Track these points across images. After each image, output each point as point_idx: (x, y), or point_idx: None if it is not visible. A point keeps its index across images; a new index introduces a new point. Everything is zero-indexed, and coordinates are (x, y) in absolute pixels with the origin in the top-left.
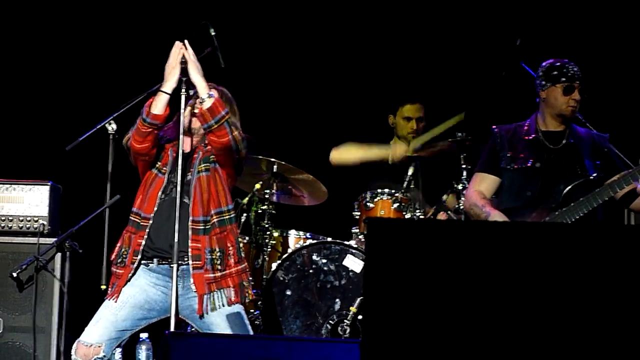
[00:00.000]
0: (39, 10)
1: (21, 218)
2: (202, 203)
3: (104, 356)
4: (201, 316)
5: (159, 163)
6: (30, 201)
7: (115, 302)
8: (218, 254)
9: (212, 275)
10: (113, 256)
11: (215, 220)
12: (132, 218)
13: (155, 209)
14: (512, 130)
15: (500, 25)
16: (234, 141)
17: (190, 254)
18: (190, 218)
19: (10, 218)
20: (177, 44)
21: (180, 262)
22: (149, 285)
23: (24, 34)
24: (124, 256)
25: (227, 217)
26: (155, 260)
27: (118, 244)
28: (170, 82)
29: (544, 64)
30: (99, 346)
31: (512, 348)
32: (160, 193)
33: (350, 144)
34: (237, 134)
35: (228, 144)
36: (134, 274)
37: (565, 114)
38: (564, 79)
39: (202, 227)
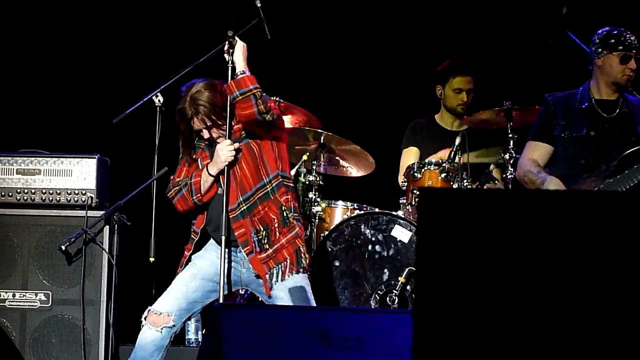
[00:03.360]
0: None
1: (69, 191)
2: (235, 188)
3: (174, 326)
4: (268, 300)
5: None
6: (78, 174)
7: (187, 274)
8: (263, 233)
9: (265, 254)
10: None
11: (257, 197)
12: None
13: (205, 221)
14: (564, 99)
15: None
16: (258, 113)
17: (238, 241)
18: (228, 207)
19: (59, 191)
20: (227, 143)
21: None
22: (219, 258)
23: (74, 6)
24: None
25: (270, 187)
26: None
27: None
28: (216, 168)
29: (600, 31)
30: (169, 315)
31: (568, 316)
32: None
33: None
34: (263, 107)
35: (252, 116)
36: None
37: (620, 83)
38: (621, 48)
39: (239, 212)
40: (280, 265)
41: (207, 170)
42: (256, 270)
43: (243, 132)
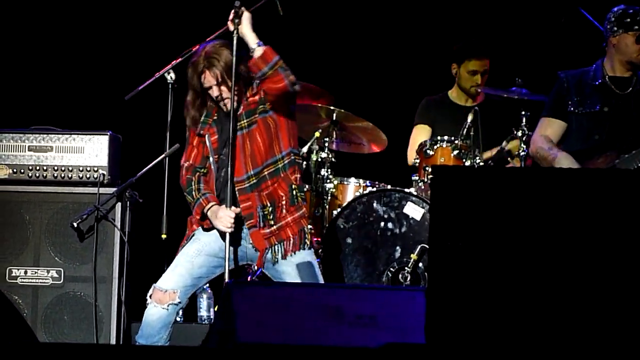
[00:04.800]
0: None
1: (81, 168)
2: (245, 160)
3: (179, 302)
4: (274, 264)
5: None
6: (90, 151)
7: (191, 250)
8: (270, 209)
9: (268, 230)
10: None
11: (266, 172)
12: None
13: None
14: (578, 76)
15: None
16: (290, 84)
17: (242, 214)
18: (235, 179)
19: (70, 168)
20: (229, 214)
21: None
22: (223, 234)
23: None
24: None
25: (282, 164)
26: None
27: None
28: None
29: (615, 9)
30: (174, 292)
31: (581, 294)
32: (223, 170)
33: None
34: (292, 77)
35: (285, 89)
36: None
37: (635, 62)
38: (637, 27)
39: (247, 185)
40: (282, 243)
41: (209, 217)
42: (256, 244)
43: (261, 106)
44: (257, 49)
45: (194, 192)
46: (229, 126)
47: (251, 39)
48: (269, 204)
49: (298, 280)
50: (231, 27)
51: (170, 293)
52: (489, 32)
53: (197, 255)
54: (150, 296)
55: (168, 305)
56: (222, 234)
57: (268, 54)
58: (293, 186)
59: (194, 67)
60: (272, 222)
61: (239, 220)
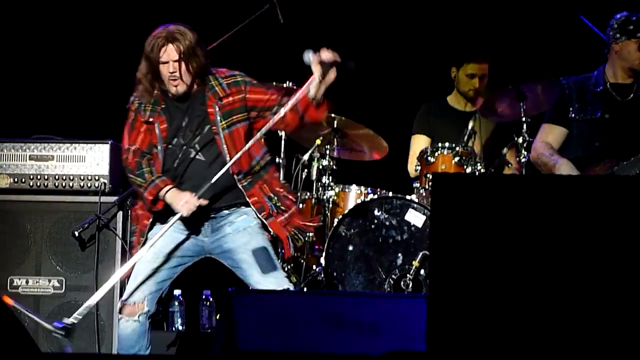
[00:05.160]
0: None
1: (82, 177)
2: (238, 160)
3: (149, 310)
4: (230, 254)
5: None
6: (91, 160)
7: (149, 256)
8: (275, 198)
9: (283, 217)
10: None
11: (251, 176)
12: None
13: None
14: (579, 82)
15: None
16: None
17: (254, 207)
18: (235, 177)
19: (72, 177)
20: (194, 202)
21: (215, 213)
22: (177, 232)
23: None
24: (131, 234)
25: (258, 168)
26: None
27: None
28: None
29: (618, 15)
30: (142, 302)
31: (582, 299)
32: (176, 160)
33: None
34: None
35: (319, 120)
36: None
37: (637, 69)
38: (639, 35)
39: (247, 182)
40: (296, 229)
41: (166, 198)
42: (277, 232)
43: (242, 114)
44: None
45: (146, 174)
46: (180, 115)
47: (325, 89)
48: (273, 195)
49: (255, 266)
50: (318, 69)
51: (138, 304)
52: (489, 38)
53: (155, 260)
54: (120, 311)
55: (139, 316)
56: (175, 232)
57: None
58: (281, 182)
59: (155, 39)
60: (283, 208)
61: (199, 214)
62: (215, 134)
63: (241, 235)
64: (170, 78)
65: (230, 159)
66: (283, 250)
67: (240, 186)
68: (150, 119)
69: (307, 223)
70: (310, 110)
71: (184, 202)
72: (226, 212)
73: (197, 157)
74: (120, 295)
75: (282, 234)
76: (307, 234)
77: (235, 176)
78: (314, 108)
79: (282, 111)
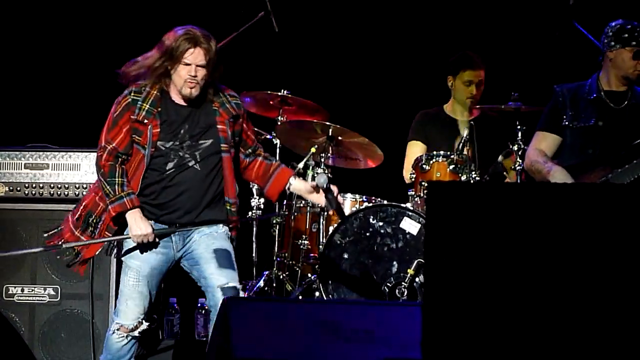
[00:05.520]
0: None
1: (77, 185)
2: (232, 183)
3: (146, 324)
4: (191, 254)
5: (139, 137)
6: (86, 168)
7: (131, 280)
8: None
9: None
10: (74, 217)
11: (235, 208)
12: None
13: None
14: (573, 90)
15: None
16: None
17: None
18: (226, 199)
19: (67, 185)
20: (150, 236)
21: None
22: (148, 253)
23: (79, 3)
24: (94, 226)
25: (236, 208)
26: (152, 221)
27: (83, 205)
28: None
29: (613, 23)
30: (140, 322)
31: (577, 309)
32: (168, 164)
33: None
34: None
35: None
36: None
37: (631, 78)
38: (634, 43)
39: (235, 210)
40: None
41: (127, 217)
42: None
43: (229, 144)
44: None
45: (117, 187)
46: (180, 120)
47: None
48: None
49: (213, 262)
50: (321, 200)
51: (137, 324)
52: (484, 46)
53: (138, 283)
54: (117, 331)
55: (138, 332)
56: (151, 251)
57: None
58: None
59: (184, 39)
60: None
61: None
62: (225, 151)
63: (206, 237)
64: (188, 80)
65: (226, 181)
66: None
67: (230, 209)
68: (145, 120)
69: None
70: (274, 189)
71: (143, 234)
72: (205, 229)
73: (195, 166)
74: (115, 306)
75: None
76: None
77: (227, 199)
78: (278, 192)
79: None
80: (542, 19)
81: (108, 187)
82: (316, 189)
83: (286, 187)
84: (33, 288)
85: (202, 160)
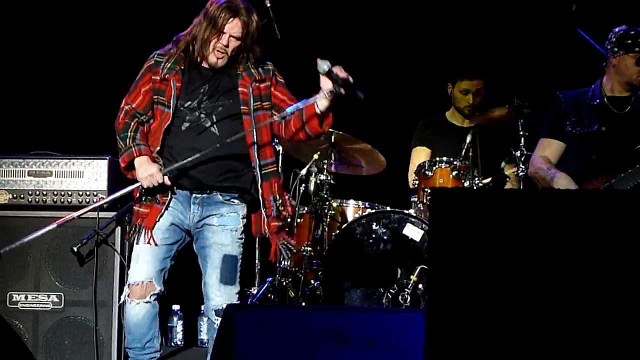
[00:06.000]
0: None
1: (80, 192)
2: (255, 148)
3: (159, 289)
4: (204, 243)
5: (162, 97)
6: (89, 175)
7: (143, 240)
8: (280, 201)
9: (279, 223)
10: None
11: (269, 170)
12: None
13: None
14: (576, 96)
15: None
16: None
17: (263, 197)
18: (260, 161)
19: (70, 193)
20: (158, 175)
21: (205, 191)
22: (166, 211)
23: (86, 7)
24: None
25: (275, 167)
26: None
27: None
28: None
29: (617, 29)
30: (151, 281)
31: (580, 315)
32: (184, 124)
33: None
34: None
35: (320, 134)
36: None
37: (634, 84)
38: (637, 49)
39: (263, 173)
40: (285, 242)
41: (135, 163)
42: (270, 235)
43: (267, 102)
44: (329, 113)
45: (128, 140)
46: (201, 81)
47: (331, 104)
48: (278, 197)
49: (216, 270)
50: (328, 81)
51: (147, 284)
52: (487, 52)
53: (151, 239)
54: (128, 295)
55: (150, 297)
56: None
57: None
58: (284, 191)
59: (226, 8)
60: (281, 216)
61: (192, 192)
62: (246, 114)
63: (223, 234)
64: (219, 50)
65: (249, 142)
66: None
67: (257, 173)
68: (166, 76)
69: (292, 242)
70: (313, 122)
71: (148, 174)
72: (219, 197)
73: (211, 128)
74: (122, 312)
75: (274, 239)
76: (292, 250)
77: (256, 162)
78: (318, 121)
79: (289, 110)
80: (545, 25)
81: (120, 143)
82: (325, 81)
83: (316, 109)
84: (37, 295)
85: (220, 122)
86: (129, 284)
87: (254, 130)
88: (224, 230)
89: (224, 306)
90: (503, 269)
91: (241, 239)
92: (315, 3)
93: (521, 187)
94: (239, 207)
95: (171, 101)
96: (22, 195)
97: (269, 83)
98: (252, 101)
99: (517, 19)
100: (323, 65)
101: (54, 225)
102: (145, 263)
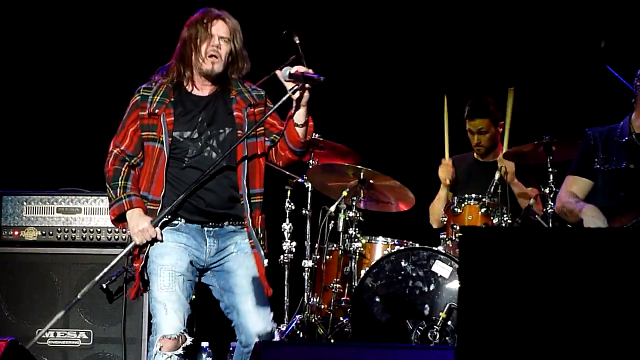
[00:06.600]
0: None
1: (109, 229)
2: (242, 177)
3: (190, 341)
4: (228, 275)
5: (153, 132)
6: None
7: (166, 281)
8: (261, 235)
9: (264, 257)
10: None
11: (256, 200)
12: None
13: (167, 186)
14: (605, 132)
15: (585, 28)
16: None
17: (252, 227)
18: (249, 190)
19: (99, 229)
20: (151, 232)
21: (217, 223)
22: (180, 248)
23: (107, 48)
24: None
25: (260, 200)
26: (182, 219)
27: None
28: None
29: None
30: (182, 333)
31: (612, 350)
32: (186, 156)
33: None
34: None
35: (290, 161)
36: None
37: None
38: None
39: (252, 202)
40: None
41: (127, 217)
42: (258, 266)
43: (261, 128)
44: (308, 122)
45: (119, 190)
46: (197, 110)
47: (305, 111)
48: (260, 231)
49: (250, 293)
50: (289, 85)
51: (180, 336)
52: (517, 89)
53: (175, 281)
54: (161, 348)
55: (182, 349)
56: (178, 246)
57: (311, 130)
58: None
59: (206, 14)
60: (265, 251)
61: (204, 228)
62: (240, 139)
63: (245, 257)
64: (212, 52)
65: (240, 169)
66: None
67: (247, 202)
68: (156, 111)
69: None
70: (293, 135)
71: (140, 229)
72: (231, 227)
73: (213, 156)
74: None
75: (261, 270)
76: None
77: (244, 189)
78: (299, 132)
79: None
80: (574, 62)
81: (110, 192)
82: (290, 86)
83: (295, 124)
84: (66, 332)
85: (220, 149)
86: (161, 336)
87: (244, 155)
88: (244, 253)
89: (267, 330)
90: (533, 307)
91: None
92: (342, 40)
93: (549, 224)
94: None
95: (163, 136)
96: (50, 232)
97: (262, 108)
98: (246, 127)
99: (546, 56)
100: (285, 72)
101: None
102: (176, 313)
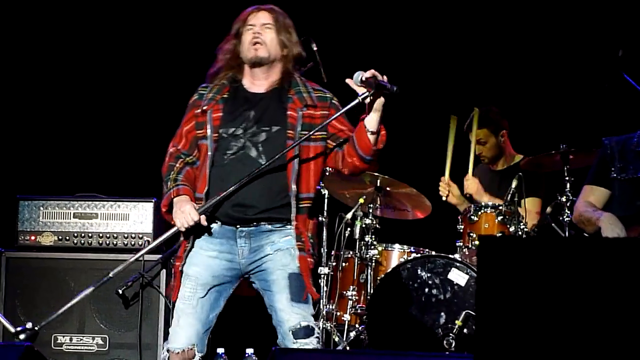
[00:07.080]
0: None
1: (126, 235)
2: (293, 178)
3: (200, 356)
4: (265, 274)
5: (202, 130)
6: (135, 218)
7: (186, 292)
8: (312, 241)
9: (312, 260)
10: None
11: (306, 204)
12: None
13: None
14: (622, 142)
15: (602, 37)
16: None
17: (294, 232)
18: (298, 194)
19: (115, 235)
20: (195, 216)
21: (253, 223)
22: (210, 257)
23: (130, 54)
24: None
25: (311, 204)
26: (217, 222)
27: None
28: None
29: None
30: (191, 348)
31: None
32: (227, 152)
33: None
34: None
35: (358, 170)
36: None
37: None
38: None
39: (304, 206)
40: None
41: (173, 203)
42: (303, 271)
43: (322, 133)
44: (380, 130)
45: (169, 182)
46: (248, 105)
47: (379, 116)
48: (312, 236)
49: (286, 291)
50: (361, 90)
51: (187, 351)
52: (534, 98)
53: (195, 293)
54: (167, 359)
55: None
56: (206, 253)
57: (384, 139)
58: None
59: (249, 8)
60: (315, 256)
61: (236, 228)
62: (290, 139)
63: (282, 255)
64: (254, 39)
65: (290, 171)
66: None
67: (294, 205)
68: (205, 107)
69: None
70: (364, 142)
71: (182, 210)
72: (268, 227)
73: (255, 155)
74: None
75: (306, 273)
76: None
77: (296, 194)
78: (371, 139)
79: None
80: (591, 71)
81: (164, 187)
82: (362, 91)
83: (367, 129)
84: (81, 337)
85: (265, 149)
86: (168, 349)
87: (295, 158)
88: (281, 251)
89: (302, 324)
90: (551, 316)
91: (296, 255)
92: (358, 46)
93: (567, 233)
94: (290, 230)
95: (209, 131)
96: (67, 237)
97: (325, 112)
98: (299, 127)
99: (564, 65)
100: (357, 77)
101: (90, 289)
102: (188, 326)
